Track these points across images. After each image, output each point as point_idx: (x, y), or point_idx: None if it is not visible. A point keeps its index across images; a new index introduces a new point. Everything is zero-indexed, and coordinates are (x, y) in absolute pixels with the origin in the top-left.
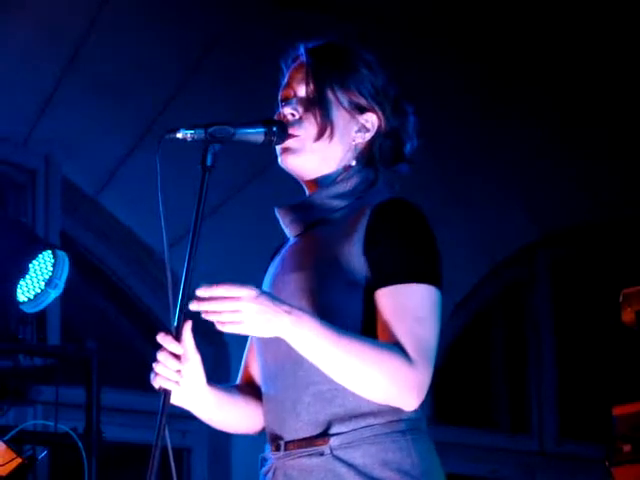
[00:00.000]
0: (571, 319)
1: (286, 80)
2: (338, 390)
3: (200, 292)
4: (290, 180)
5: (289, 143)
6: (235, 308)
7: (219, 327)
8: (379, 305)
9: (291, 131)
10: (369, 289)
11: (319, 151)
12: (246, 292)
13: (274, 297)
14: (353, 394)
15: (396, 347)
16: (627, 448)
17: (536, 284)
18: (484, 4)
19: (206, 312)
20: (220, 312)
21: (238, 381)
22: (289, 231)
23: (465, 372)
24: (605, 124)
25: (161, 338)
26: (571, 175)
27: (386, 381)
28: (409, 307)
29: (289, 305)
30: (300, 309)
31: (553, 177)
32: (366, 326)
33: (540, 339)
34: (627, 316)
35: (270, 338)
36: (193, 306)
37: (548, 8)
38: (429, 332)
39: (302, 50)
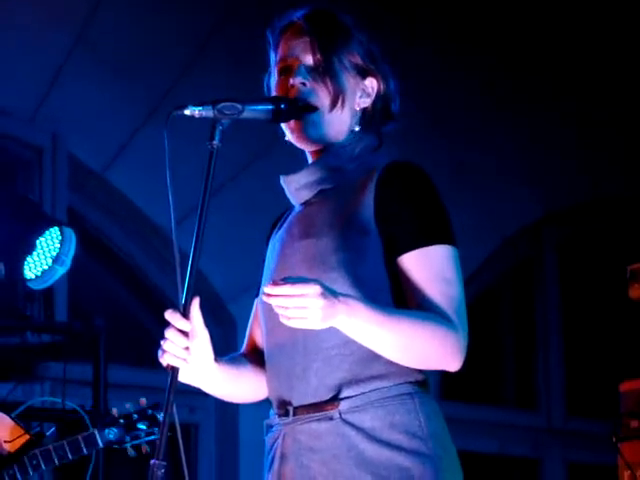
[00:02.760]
0: (578, 296)
1: (283, 49)
2: (346, 355)
3: (268, 289)
4: (297, 156)
5: (305, 119)
6: (302, 305)
7: (283, 321)
8: (405, 271)
9: (306, 101)
10: (386, 254)
11: (333, 121)
12: (312, 289)
13: (332, 290)
14: (360, 358)
15: (437, 315)
16: (634, 424)
17: (544, 261)
18: None
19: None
20: (287, 307)
21: (243, 349)
22: (295, 199)
23: (473, 348)
24: (610, 103)
25: (169, 315)
26: (578, 153)
27: (437, 351)
28: (436, 269)
29: (343, 295)
30: (350, 297)
31: (560, 155)
32: (381, 289)
33: (548, 316)
34: (634, 292)
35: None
36: (265, 298)
37: None
38: (458, 291)
39: (299, 17)
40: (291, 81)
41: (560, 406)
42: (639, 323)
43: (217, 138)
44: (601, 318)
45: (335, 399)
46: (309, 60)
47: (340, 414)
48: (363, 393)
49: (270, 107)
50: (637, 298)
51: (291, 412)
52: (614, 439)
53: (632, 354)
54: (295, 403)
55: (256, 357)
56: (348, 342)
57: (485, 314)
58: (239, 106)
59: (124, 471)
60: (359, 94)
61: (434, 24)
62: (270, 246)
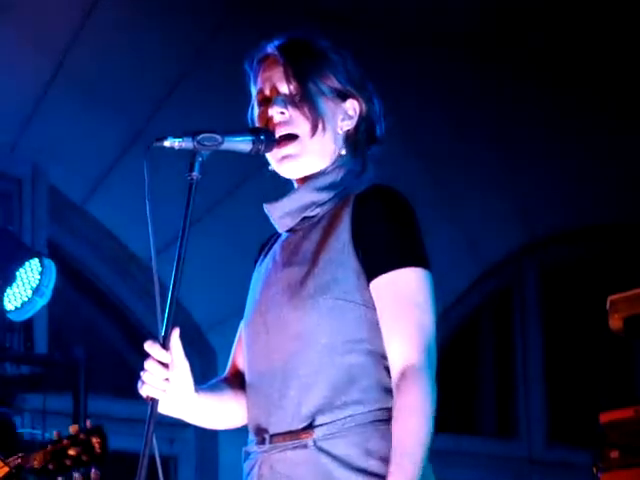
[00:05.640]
0: (559, 324)
1: (261, 81)
2: (320, 382)
3: None
4: (278, 186)
5: (288, 149)
6: None
7: None
8: (377, 295)
9: (286, 130)
10: (364, 279)
11: (317, 147)
12: None
13: None
14: (336, 385)
15: (401, 378)
16: (614, 454)
17: (525, 289)
18: None
19: None
20: None
21: (226, 372)
22: (279, 226)
23: (453, 378)
24: (595, 133)
25: (148, 346)
26: (561, 181)
27: (427, 417)
28: (407, 294)
29: None
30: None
31: (543, 182)
32: (359, 318)
33: (528, 344)
34: (614, 323)
35: (260, 333)
36: None
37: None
38: (429, 317)
39: (273, 48)
40: (269, 112)
41: (541, 436)
42: (620, 353)
43: (197, 169)
44: (583, 347)
45: (310, 427)
46: (285, 89)
47: (315, 442)
48: (337, 420)
49: (249, 138)
50: (617, 329)
51: (267, 440)
52: (595, 470)
53: (613, 384)
54: (272, 431)
55: (238, 381)
56: (323, 368)
57: (465, 343)
58: (219, 137)
59: None
60: (341, 117)
61: (410, 48)
62: (256, 271)
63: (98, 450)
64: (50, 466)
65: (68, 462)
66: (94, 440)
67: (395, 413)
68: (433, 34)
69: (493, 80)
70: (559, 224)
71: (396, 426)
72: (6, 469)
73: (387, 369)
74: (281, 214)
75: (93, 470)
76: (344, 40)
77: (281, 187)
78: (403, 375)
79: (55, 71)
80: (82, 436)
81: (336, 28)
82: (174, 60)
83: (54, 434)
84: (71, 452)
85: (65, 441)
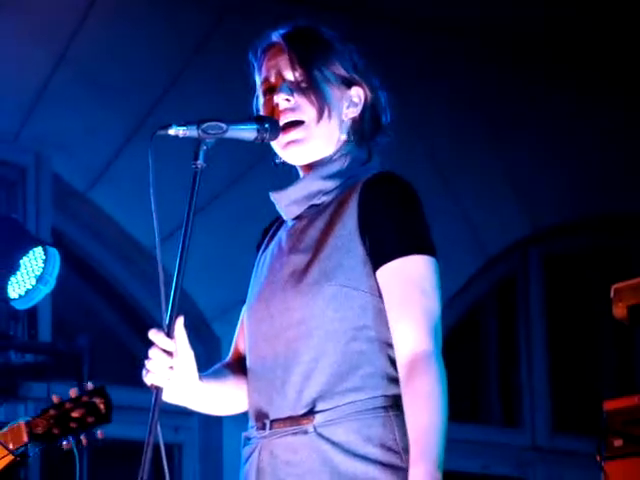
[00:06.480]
0: (563, 313)
1: (266, 69)
2: (323, 368)
3: None
4: (282, 175)
5: (293, 135)
6: None
7: None
8: (383, 282)
9: (292, 116)
10: (370, 267)
11: (322, 133)
12: None
13: None
14: (338, 371)
15: (411, 364)
16: (618, 443)
17: (529, 278)
18: None
19: None
20: None
21: (229, 357)
22: (285, 214)
23: (457, 366)
24: (597, 122)
25: (153, 335)
26: (565, 170)
27: (445, 396)
28: (413, 281)
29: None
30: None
31: (547, 171)
32: (365, 306)
33: (532, 333)
34: (619, 311)
35: (263, 318)
36: None
37: None
38: (435, 303)
39: (278, 37)
40: (275, 99)
41: (545, 424)
42: (624, 341)
43: (201, 158)
44: (586, 336)
45: (310, 413)
46: (291, 76)
47: (315, 428)
48: (338, 406)
49: (254, 126)
50: (621, 317)
51: (268, 425)
52: (599, 458)
53: (617, 372)
54: (272, 416)
55: (240, 366)
56: (326, 355)
57: (469, 332)
58: (223, 126)
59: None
60: (346, 104)
61: (411, 37)
62: (260, 257)
63: (103, 410)
64: (55, 430)
65: (73, 425)
66: (98, 401)
67: (408, 399)
68: (433, 28)
69: (494, 74)
70: (563, 213)
71: (412, 413)
72: (11, 457)
73: (390, 357)
74: (287, 202)
75: (99, 431)
76: (344, 31)
77: (286, 176)
78: (414, 361)
79: (58, 59)
80: (85, 398)
81: (337, 20)
82: (178, 49)
83: (53, 398)
84: (75, 414)
85: (68, 404)
